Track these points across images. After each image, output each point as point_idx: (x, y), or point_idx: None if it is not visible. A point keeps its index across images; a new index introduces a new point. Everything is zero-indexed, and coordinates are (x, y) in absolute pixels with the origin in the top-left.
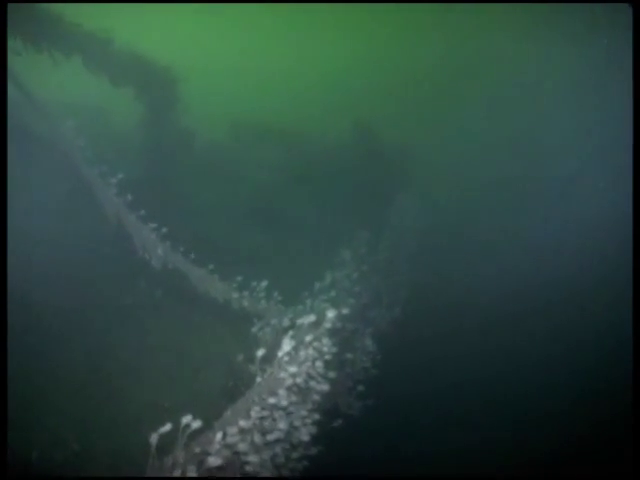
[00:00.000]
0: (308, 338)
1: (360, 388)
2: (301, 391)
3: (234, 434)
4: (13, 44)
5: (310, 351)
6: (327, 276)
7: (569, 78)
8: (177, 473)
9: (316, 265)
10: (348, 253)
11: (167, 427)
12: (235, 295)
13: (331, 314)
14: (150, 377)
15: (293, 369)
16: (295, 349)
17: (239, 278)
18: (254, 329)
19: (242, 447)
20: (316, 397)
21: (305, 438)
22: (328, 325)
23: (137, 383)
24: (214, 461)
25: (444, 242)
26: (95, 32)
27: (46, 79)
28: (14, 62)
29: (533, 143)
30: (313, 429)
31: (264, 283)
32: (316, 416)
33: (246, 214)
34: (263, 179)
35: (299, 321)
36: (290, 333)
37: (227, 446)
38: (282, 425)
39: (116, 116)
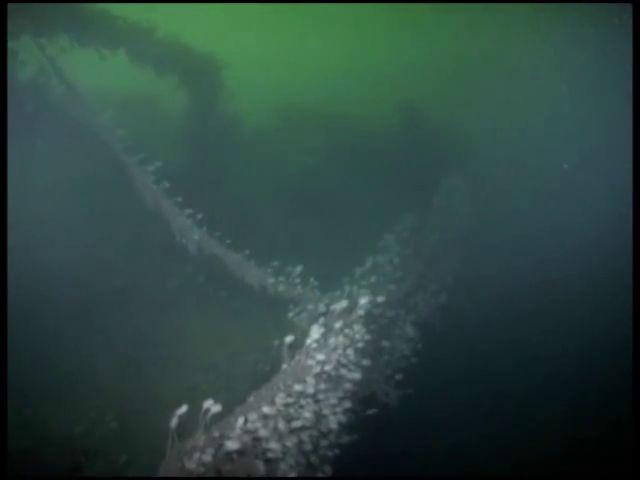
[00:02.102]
0: (339, 325)
1: (399, 377)
2: (331, 379)
3: (255, 420)
4: (60, 41)
5: (341, 338)
6: (368, 261)
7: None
8: (196, 456)
9: (357, 250)
10: (391, 237)
11: (183, 409)
12: (271, 280)
13: (363, 300)
14: (190, 361)
15: (321, 356)
16: (325, 336)
17: (275, 263)
18: (290, 315)
19: (263, 433)
20: (348, 385)
21: (334, 426)
22: (360, 312)
23: (177, 366)
24: (232, 445)
25: (492, 226)
26: (139, 24)
27: (90, 72)
28: (59, 58)
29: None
30: (343, 417)
31: (299, 268)
32: (347, 404)
33: (287, 198)
34: (306, 163)
35: (331, 307)
36: (320, 320)
37: (248, 431)
38: (307, 413)
39: (160, 105)
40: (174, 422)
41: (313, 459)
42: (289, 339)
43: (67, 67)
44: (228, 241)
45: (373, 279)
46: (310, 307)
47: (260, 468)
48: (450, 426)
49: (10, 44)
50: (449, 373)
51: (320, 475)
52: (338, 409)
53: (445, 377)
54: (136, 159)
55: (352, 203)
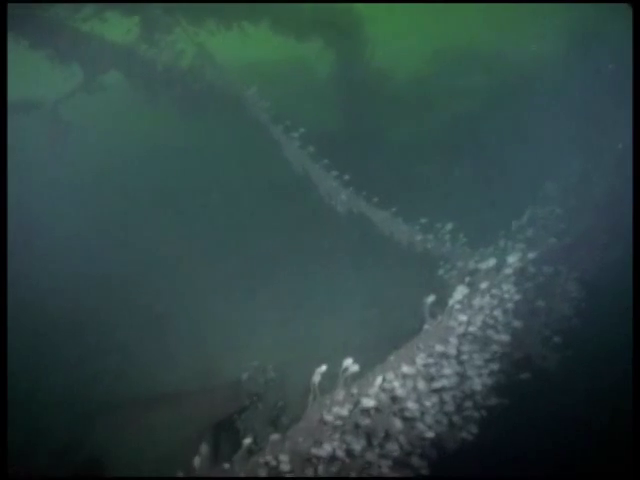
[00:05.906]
0: (485, 285)
1: (557, 339)
2: (477, 340)
3: (392, 379)
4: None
5: (487, 298)
6: (526, 213)
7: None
8: (335, 410)
9: (515, 201)
10: (554, 186)
11: (323, 368)
12: (418, 237)
13: (512, 259)
14: (342, 317)
15: (465, 317)
16: (469, 297)
17: (423, 220)
18: (441, 272)
19: (400, 392)
20: (495, 347)
21: (478, 388)
22: (509, 270)
23: (330, 322)
24: (367, 402)
25: None
26: None
27: (237, 49)
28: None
29: None
30: (489, 379)
31: (449, 225)
32: (494, 366)
33: (442, 148)
34: (459, 108)
35: (479, 265)
36: (466, 280)
37: (385, 390)
38: (447, 371)
39: (306, 69)
40: (317, 378)
41: (455, 419)
42: (431, 299)
43: (216, 49)
44: (376, 199)
45: (530, 233)
46: (460, 264)
47: (397, 425)
48: (611, 396)
49: (168, 38)
50: (616, 336)
51: (464, 435)
52: (484, 371)
53: (611, 341)
54: (282, 127)
55: (511, 149)
